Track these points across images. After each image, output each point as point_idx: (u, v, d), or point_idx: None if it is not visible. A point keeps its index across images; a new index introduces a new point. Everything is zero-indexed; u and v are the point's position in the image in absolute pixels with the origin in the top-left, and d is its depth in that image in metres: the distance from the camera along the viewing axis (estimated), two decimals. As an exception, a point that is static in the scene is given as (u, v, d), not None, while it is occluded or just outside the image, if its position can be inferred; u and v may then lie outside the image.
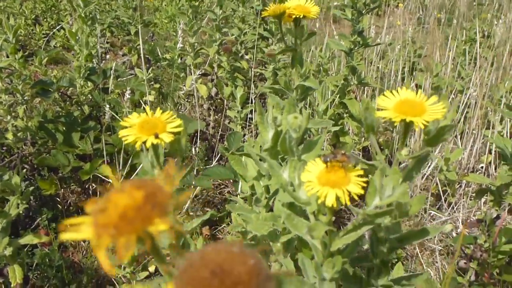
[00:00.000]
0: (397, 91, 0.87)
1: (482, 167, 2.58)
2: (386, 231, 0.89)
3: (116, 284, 1.88)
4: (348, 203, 0.68)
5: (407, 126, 0.85)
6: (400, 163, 0.94)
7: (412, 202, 0.88)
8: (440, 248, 2.24)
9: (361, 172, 0.71)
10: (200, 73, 2.80)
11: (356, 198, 0.69)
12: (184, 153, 0.86)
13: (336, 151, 0.72)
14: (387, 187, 0.75)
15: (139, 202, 0.35)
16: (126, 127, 0.83)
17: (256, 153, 1.02)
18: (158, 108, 0.87)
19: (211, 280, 0.32)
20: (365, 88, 3.15)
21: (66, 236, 0.37)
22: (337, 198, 0.69)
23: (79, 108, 2.75)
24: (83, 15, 2.91)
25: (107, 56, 4.24)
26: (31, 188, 1.96)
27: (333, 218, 0.82)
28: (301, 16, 1.28)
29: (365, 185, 0.70)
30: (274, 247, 1.11)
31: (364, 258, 0.94)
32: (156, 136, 0.80)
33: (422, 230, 0.93)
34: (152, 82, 2.99)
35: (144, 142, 0.80)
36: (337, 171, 0.71)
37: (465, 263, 1.82)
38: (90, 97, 2.77)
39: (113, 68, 2.55)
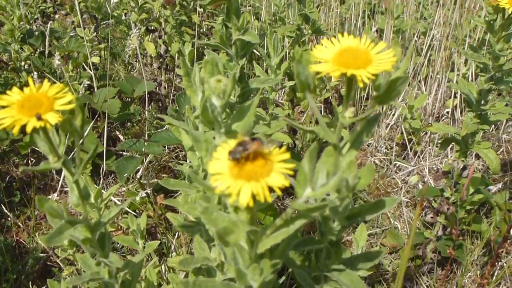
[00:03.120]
0: (336, 38, 0.71)
1: (447, 112, 2.48)
2: (332, 210, 0.75)
3: (61, 265, 1.75)
4: (269, 199, 0.52)
5: (350, 81, 0.68)
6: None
7: (360, 173, 0.74)
8: (407, 200, 2.15)
9: (286, 156, 0.55)
10: (145, 29, 2.59)
11: (279, 192, 0.54)
12: (81, 133, 0.70)
13: (245, 140, 0.55)
14: (321, 174, 0.60)
15: None
16: (3, 107, 0.67)
17: (177, 123, 0.86)
18: (46, 80, 0.71)
19: None
20: (324, 37, 2.98)
21: None
22: (255, 195, 0.53)
23: (18, 75, 2.53)
24: (13, -29, 2.64)
25: (56, 16, 3.98)
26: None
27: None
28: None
29: (291, 172, 0.54)
30: (211, 231, 0.97)
31: (310, 241, 0.80)
32: (39, 118, 0.64)
33: (377, 203, 0.79)
34: (96, 42, 2.76)
35: (25, 126, 0.64)
36: (254, 158, 0.54)
37: (432, 217, 1.72)
38: (30, 63, 2.55)
39: (48, 28, 2.33)
